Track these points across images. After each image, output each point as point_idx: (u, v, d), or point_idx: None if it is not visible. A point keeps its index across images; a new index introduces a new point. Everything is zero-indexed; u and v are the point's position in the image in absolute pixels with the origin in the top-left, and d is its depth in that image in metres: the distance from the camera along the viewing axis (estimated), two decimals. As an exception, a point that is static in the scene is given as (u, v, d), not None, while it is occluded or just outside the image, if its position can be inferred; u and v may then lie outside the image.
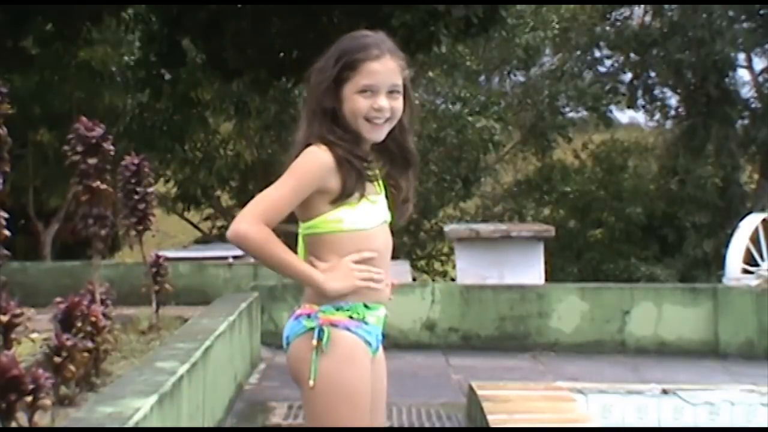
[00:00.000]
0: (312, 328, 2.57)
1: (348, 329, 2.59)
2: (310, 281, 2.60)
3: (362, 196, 2.58)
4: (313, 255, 2.63)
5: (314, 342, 2.56)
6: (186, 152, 20.21)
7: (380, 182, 2.69)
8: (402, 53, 2.67)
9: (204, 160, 20.89)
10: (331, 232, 2.60)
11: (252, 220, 2.56)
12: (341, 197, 2.57)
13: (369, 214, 2.60)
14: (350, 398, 2.57)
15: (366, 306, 2.62)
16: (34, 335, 5.12)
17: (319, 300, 2.60)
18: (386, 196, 2.69)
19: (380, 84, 2.58)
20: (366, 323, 2.62)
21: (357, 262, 2.60)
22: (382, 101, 2.58)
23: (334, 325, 2.58)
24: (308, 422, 2.64)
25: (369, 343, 2.64)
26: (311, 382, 2.56)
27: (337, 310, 2.60)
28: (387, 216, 2.68)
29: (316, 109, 2.63)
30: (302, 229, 2.67)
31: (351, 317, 2.61)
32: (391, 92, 2.60)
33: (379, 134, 2.62)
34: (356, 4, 10.60)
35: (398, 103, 2.62)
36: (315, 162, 2.57)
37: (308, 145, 2.60)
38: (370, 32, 2.67)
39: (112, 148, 6.87)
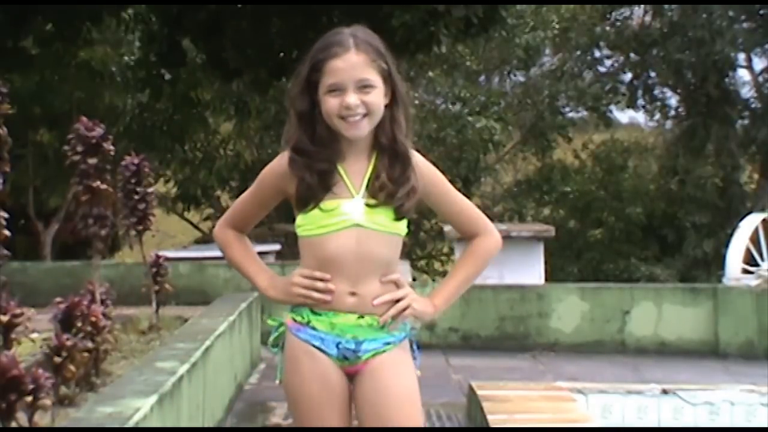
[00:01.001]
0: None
1: (291, 331, 2.68)
2: (255, 286, 2.80)
3: (316, 205, 2.58)
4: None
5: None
6: (186, 152, 20.20)
7: (366, 182, 2.62)
8: (377, 44, 2.61)
9: (204, 160, 20.88)
10: (299, 236, 2.67)
11: (219, 225, 2.87)
12: (296, 205, 2.63)
13: (319, 221, 2.59)
14: (291, 397, 2.71)
15: (313, 312, 2.63)
16: (34, 335, 5.12)
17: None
18: (375, 196, 2.61)
19: (345, 81, 2.54)
20: (313, 328, 2.63)
21: (312, 274, 2.62)
22: (350, 98, 2.54)
23: (289, 326, 2.70)
24: None
25: (323, 349, 2.64)
26: (276, 381, 2.75)
27: (290, 311, 2.71)
28: (358, 219, 2.59)
29: (291, 113, 2.67)
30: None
31: (294, 320, 2.68)
32: (362, 87, 2.55)
33: (358, 131, 2.58)
34: (356, 4, 10.59)
35: (372, 96, 2.56)
36: (269, 169, 2.71)
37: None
38: (343, 29, 2.65)
39: (112, 148, 6.86)
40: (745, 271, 13.73)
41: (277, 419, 6.31)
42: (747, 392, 6.40)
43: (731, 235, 14.80)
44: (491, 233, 2.75)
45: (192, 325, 6.29)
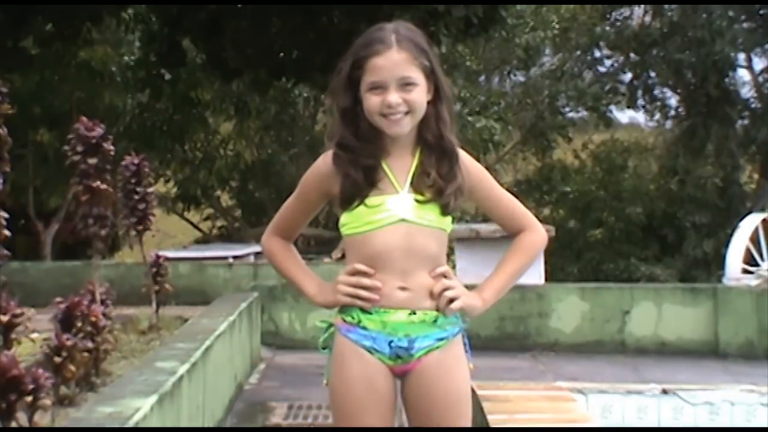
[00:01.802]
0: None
1: (341, 332, 2.62)
2: (304, 294, 2.76)
3: (361, 201, 2.56)
4: None
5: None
6: (186, 152, 20.22)
7: (411, 178, 2.60)
8: (420, 40, 2.59)
9: (204, 160, 20.90)
10: (344, 235, 2.65)
11: (266, 234, 2.82)
12: (341, 203, 2.60)
13: (365, 217, 2.57)
14: (335, 398, 2.63)
15: (363, 311, 2.59)
16: (34, 335, 5.12)
17: None
18: (421, 192, 2.59)
19: (387, 79, 2.53)
20: (364, 328, 2.59)
21: (356, 271, 2.58)
22: (392, 97, 2.52)
23: (339, 327, 2.64)
24: None
25: (371, 349, 2.60)
26: (324, 382, 2.67)
27: (339, 312, 2.65)
28: (405, 214, 2.56)
29: (335, 110, 2.65)
30: None
31: (344, 320, 2.62)
32: (404, 85, 2.54)
33: (399, 129, 2.57)
34: (356, 4, 10.60)
35: (414, 94, 2.55)
36: (310, 171, 2.70)
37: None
38: (385, 25, 2.64)
39: (112, 148, 6.87)
40: (745, 271, 13.73)
41: (277, 419, 6.31)
42: (747, 392, 6.40)
43: (731, 235, 14.80)
44: (537, 229, 2.78)
45: (192, 325, 6.29)
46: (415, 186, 2.58)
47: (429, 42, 2.64)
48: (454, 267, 13.03)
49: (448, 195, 2.58)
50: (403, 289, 2.56)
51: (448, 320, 2.61)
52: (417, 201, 2.57)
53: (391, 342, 2.57)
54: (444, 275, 2.59)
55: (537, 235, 2.76)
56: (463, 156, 2.66)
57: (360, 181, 2.56)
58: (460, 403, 2.62)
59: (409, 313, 2.56)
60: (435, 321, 2.58)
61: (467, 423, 2.64)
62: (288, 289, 9.66)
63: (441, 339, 2.60)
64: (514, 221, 2.78)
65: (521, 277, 2.83)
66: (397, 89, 2.53)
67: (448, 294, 2.57)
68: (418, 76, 2.56)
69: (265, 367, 8.19)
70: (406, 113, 2.56)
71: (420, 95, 2.56)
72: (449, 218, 2.61)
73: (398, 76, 2.54)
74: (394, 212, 2.56)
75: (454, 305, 2.59)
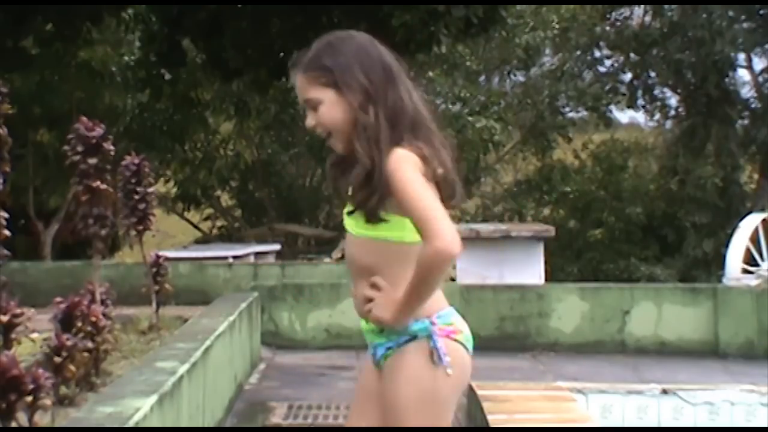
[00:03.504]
0: None
1: None
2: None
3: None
4: None
5: None
6: (186, 152, 20.22)
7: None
8: (321, 55, 2.55)
9: (204, 160, 20.90)
10: None
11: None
12: None
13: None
14: None
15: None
16: (34, 335, 5.12)
17: None
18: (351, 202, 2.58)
19: (301, 104, 2.63)
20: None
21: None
22: (306, 121, 2.61)
23: None
24: None
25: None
26: None
27: None
28: (349, 226, 2.59)
29: None
30: None
31: None
32: (311, 108, 2.56)
33: (336, 147, 2.60)
34: (356, 4, 10.60)
35: (321, 113, 2.54)
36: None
37: None
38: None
39: (112, 148, 6.87)
40: (745, 271, 13.73)
41: (277, 419, 6.31)
42: (747, 392, 6.40)
43: (731, 235, 14.80)
44: (430, 241, 2.36)
45: (192, 325, 6.29)
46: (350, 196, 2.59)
47: (353, 50, 2.57)
48: (454, 267, 13.02)
49: (360, 203, 2.51)
50: (355, 297, 2.62)
51: (394, 329, 2.55)
52: (347, 212, 2.60)
53: (373, 346, 2.66)
54: (373, 285, 2.53)
55: (428, 248, 2.35)
56: (391, 158, 2.47)
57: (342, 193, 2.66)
58: (396, 411, 2.53)
59: (366, 322, 2.61)
60: (381, 330, 2.58)
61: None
62: (288, 289, 9.66)
63: (390, 348, 2.59)
64: (419, 231, 2.44)
65: (425, 294, 2.48)
66: (309, 112, 2.58)
67: (367, 306, 2.54)
68: (320, 95, 2.54)
69: (265, 367, 8.19)
70: (327, 134, 2.57)
71: (328, 112, 2.54)
72: (384, 226, 2.49)
73: (302, 100, 2.59)
74: (349, 222, 2.61)
75: (370, 317, 2.55)
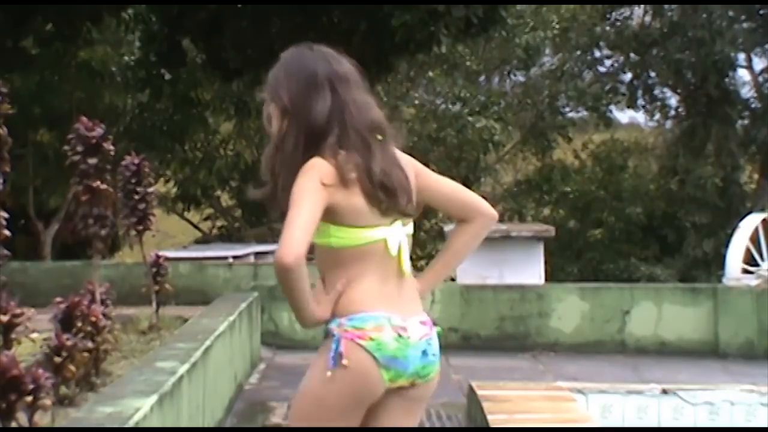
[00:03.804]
0: None
1: None
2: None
3: None
4: None
5: None
6: (186, 152, 20.21)
7: None
8: (271, 73, 2.72)
9: (204, 160, 20.89)
10: None
11: None
12: None
13: None
14: None
15: None
16: (34, 335, 5.12)
17: None
18: None
19: None
20: None
21: None
22: None
23: None
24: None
25: None
26: None
27: None
28: None
29: None
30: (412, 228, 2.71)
31: None
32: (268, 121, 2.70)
33: None
34: (356, 4, 10.60)
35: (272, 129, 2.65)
36: None
37: None
38: None
39: (112, 148, 6.87)
40: (745, 271, 13.73)
41: (277, 419, 6.31)
42: (747, 392, 6.40)
43: (731, 235, 14.79)
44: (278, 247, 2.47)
45: (192, 325, 6.29)
46: None
47: (284, 64, 2.69)
48: (454, 267, 13.01)
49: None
50: None
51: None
52: None
53: None
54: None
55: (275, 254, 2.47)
56: (301, 170, 2.53)
57: None
58: (293, 402, 2.64)
59: None
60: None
61: (291, 422, 2.63)
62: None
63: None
64: None
65: (289, 300, 2.56)
66: None
67: None
68: (268, 108, 2.66)
69: (265, 367, 8.19)
70: None
71: (271, 125, 2.65)
72: (318, 232, 2.52)
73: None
74: None
75: None
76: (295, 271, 2.42)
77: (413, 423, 2.66)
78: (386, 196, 2.53)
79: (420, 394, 2.62)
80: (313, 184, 2.46)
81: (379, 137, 2.58)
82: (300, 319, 2.58)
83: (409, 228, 2.64)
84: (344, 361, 2.47)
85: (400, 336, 2.51)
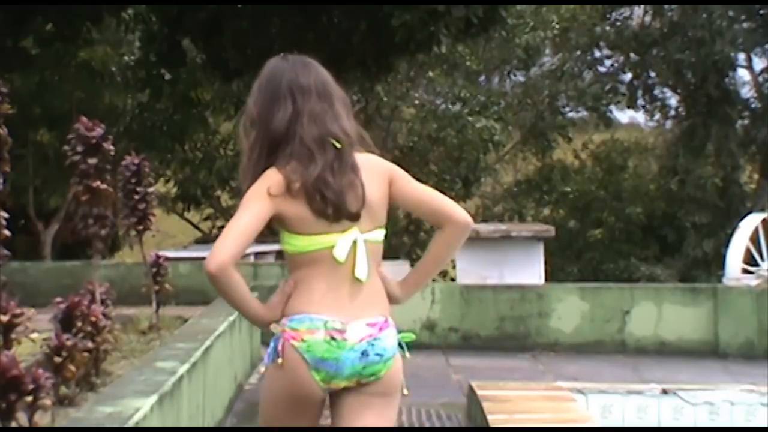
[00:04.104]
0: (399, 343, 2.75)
1: None
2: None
3: None
4: (378, 265, 2.76)
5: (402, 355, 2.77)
6: (186, 152, 20.21)
7: None
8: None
9: (204, 160, 20.88)
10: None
11: None
12: None
13: None
14: None
15: None
16: (34, 335, 5.12)
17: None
18: None
19: None
20: None
21: None
22: None
23: None
24: (387, 424, 2.74)
25: None
26: (405, 391, 2.79)
27: None
28: None
29: None
30: (383, 235, 2.75)
31: None
32: None
33: None
34: (356, 4, 10.60)
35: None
36: None
37: None
38: None
39: (112, 148, 6.87)
40: (745, 271, 13.73)
41: (277, 419, 6.30)
42: (747, 392, 6.40)
43: (731, 235, 14.79)
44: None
45: (192, 325, 6.29)
46: None
47: (260, 76, 2.83)
48: (454, 267, 13.02)
49: None
50: None
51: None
52: None
53: None
54: None
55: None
56: None
57: None
58: None
59: None
60: None
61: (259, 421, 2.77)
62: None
63: None
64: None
65: (228, 303, 2.75)
66: None
67: None
68: (246, 123, 2.82)
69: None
70: None
71: (249, 138, 2.80)
72: (281, 238, 2.71)
73: None
74: None
75: None
76: (218, 278, 2.59)
77: (379, 416, 2.70)
78: (325, 204, 2.61)
79: (376, 390, 2.68)
80: (258, 195, 2.61)
81: (337, 145, 2.65)
82: (248, 319, 2.73)
83: (374, 234, 2.68)
84: (279, 360, 2.60)
85: (333, 339, 2.59)
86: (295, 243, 2.66)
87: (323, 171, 2.61)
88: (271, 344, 2.65)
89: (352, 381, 2.64)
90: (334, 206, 2.61)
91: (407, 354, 2.76)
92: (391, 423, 2.74)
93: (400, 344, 2.73)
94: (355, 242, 2.63)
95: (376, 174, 2.69)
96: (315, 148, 2.63)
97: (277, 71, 2.79)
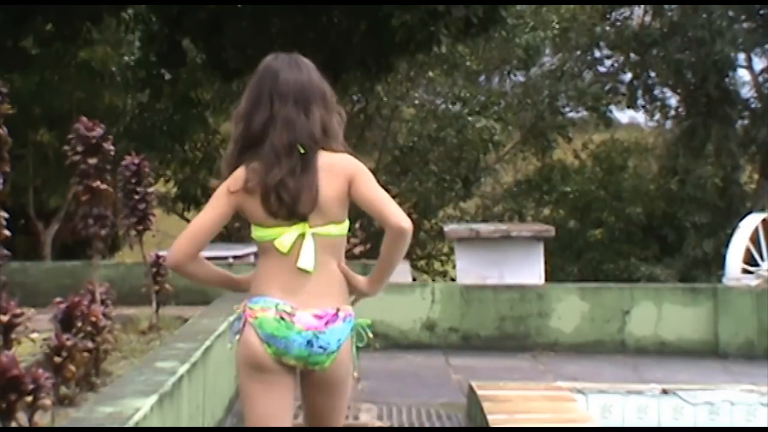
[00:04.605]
0: (353, 328, 3.02)
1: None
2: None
3: None
4: (336, 258, 3.03)
5: (353, 339, 3.03)
6: (186, 152, 20.19)
7: None
8: None
9: (204, 160, 20.86)
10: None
11: None
12: None
13: None
14: None
15: None
16: (34, 335, 5.11)
17: (348, 302, 3.04)
18: None
19: None
20: None
21: None
22: None
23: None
24: (339, 410, 3.08)
25: None
26: (356, 374, 3.07)
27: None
28: None
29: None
30: (340, 230, 3.02)
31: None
32: None
33: None
34: (356, 4, 10.60)
35: None
36: None
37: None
38: None
39: (112, 148, 6.86)
40: (745, 271, 13.72)
41: (277, 419, 6.30)
42: (747, 392, 6.41)
43: (731, 235, 14.78)
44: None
45: (192, 325, 6.29)
46: None
47: (259, 74, 3.06)
48: (454, 267, 13.01)
49: None
50: None
51: None
52: None
53: None
54: None
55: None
56: None
57: None
58: None
59: None
60: None
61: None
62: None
63: None
64: None
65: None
66: None
67: None
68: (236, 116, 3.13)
69: (265, 367, 8.17)
70: None
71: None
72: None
73: None
74: None
75: None
76: (180, 270, 3.01)
77: (329, 399, 3.04)
78: (280, 204, 2.91)
79: (322, 378, 3.00)
80: (220, 193, 3.00)
81: (302, 151, 2.92)
82: (225, 289, 3.29)
83: (326, 229, 2.95)
84: (237, 336, 3.02)
85: (282, 319, 2.93)
86: (255, 233, 3.03)
87: (285, 175, 2.89)
88: (235, 324, 3.05)
89: (300, 363, 2.97)
90: (288, 208, 2.91)
91: (369, 335, 3.02)
92: (342, 404, 3.07)
93: (363, 328, 3.02)
94: (302, 235, 2.93)
95: (336, 174, 2.93)
96: (282, 153, 2.91)
97: (264, 73, 3.03)
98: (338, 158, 2.96)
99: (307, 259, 2.92)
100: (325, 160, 2.94)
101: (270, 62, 3.04)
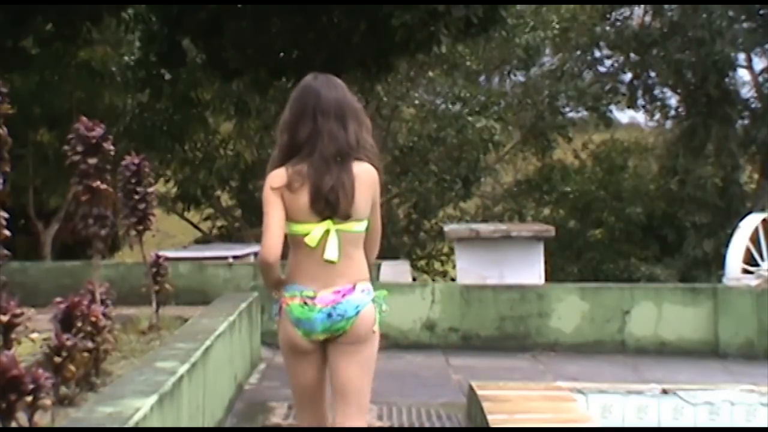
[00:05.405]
0: (373, 299, 3.55)
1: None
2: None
3: None
4: (358, 248, 3.53)
5: (377, 306, 3.58)
6: (186, 152, 20.20)
7: None
8: None
9: (204, 160, 20.88)
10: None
11: None
12: None
13: None
14: None
15: None
16: (34, 335, 5.11)
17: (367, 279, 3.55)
18: None
19: None
20: None
21: None
22: None
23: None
24: (364, 373, 3.56)
25: None
26: (376, 327, 3.55)
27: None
28: None
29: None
30: (361, 226, 3.50)
31: None
32: None
33: None
34: (356, 4, 10.59)
35: None
36: None
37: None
38: None
39: (112, 148, 6.86)
40: (745, 271, 13.73)
41: (277, 419, 6.31)
42: (747, 392, 6.41)
43: (731, 235, 14.79)
44: None
45: (192, 325, 6.29)
46: None
47: (295, 91, 3.62)
48: (454, 267, 13.01)
49: None
50: None
51: None
52: None
53: None
54: None
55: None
56: None
57: None
58: None
59: None
60: None
61: None
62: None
63: None
64: None
65: (264, 282, 3.65)
66: None
67: None
68: (280, 125, 3.64)
69: (265, 367, 8.19)
70: None
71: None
72: None
73: None
74: None
75: None
76: (274, 266, 3.46)
77: (353, 357, 3.51)
78: (326, 204, 3.40)
79: (346, 340, 3.49)
80: (267, 192, 3.45)
81: (338, 159, 3.41)
82: (270, 288, 3.63)
83: (353, 226, 3.45)
84: (277, 318, 3.60)
85: (305, 304, 3.46)
86: (288, 228, 3.45)
87: (335, 182, 3.38)
88: (273, 306, 3.62)
89: (327, 334, 3.48)
90: (332, 208, 3.40)
91: (385, 307, 3.58)
92: (367, 361, 3.55)
93: (376, 300, 3.53)
94: (327, 231, 3.41)
95: (366, 182, 3.46)
96: (331, 161, 3.40)
97: (306, 91, 3.53)
98: (366, 168, 3.46)
99: (331, 251, 3.40)
100: (358, 169, 3.44)
101: (310, 82, 3.54)
